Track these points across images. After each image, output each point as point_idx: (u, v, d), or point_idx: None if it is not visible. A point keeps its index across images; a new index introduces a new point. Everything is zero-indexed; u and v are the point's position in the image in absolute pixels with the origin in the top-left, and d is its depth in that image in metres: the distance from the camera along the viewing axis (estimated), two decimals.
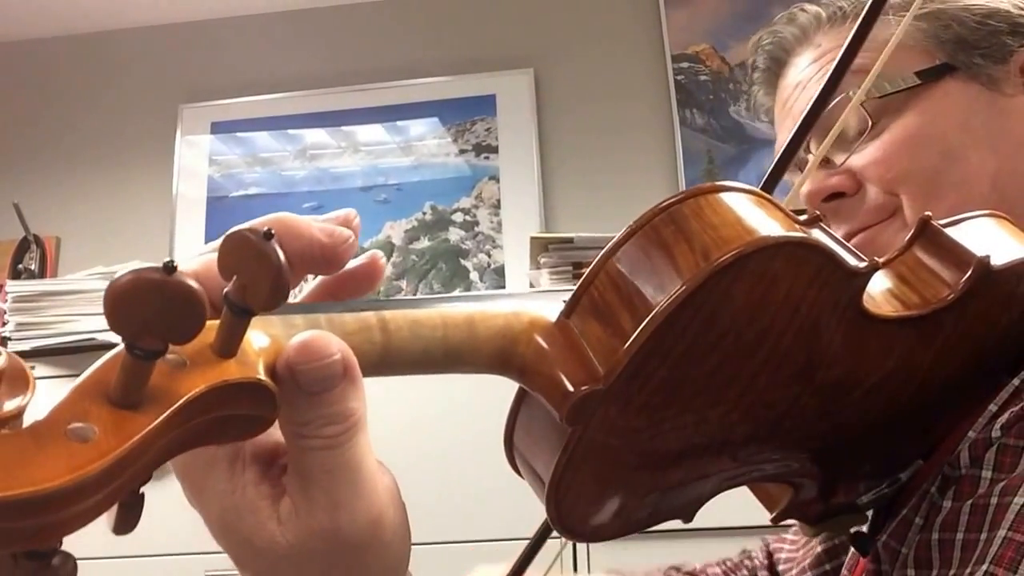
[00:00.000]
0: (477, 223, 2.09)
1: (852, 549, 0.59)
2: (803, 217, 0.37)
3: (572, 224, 2.00)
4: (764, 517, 0.49)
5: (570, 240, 1.63)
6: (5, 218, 2.11)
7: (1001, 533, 0.38)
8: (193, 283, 0.24)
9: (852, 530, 0.52)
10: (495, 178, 2.11)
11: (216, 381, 0.26)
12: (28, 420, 0.24)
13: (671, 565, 0.89)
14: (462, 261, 2.08)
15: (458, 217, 2.11)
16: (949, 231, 0.45)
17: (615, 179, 2.05)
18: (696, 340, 0.34)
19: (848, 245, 0.38)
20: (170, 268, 0.23)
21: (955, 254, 0.43)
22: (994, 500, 0.40)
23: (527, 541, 0.60)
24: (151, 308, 0.23)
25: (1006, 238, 0.46)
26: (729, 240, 0.33)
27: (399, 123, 2.20)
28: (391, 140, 2.20)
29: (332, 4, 2.29)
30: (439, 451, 1.47)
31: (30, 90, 2.41)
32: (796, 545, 0.76)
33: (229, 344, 0.27)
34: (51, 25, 2.39)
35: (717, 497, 0.44)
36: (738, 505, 0.90)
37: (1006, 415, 0.42)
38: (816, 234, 0.36)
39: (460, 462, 1.45)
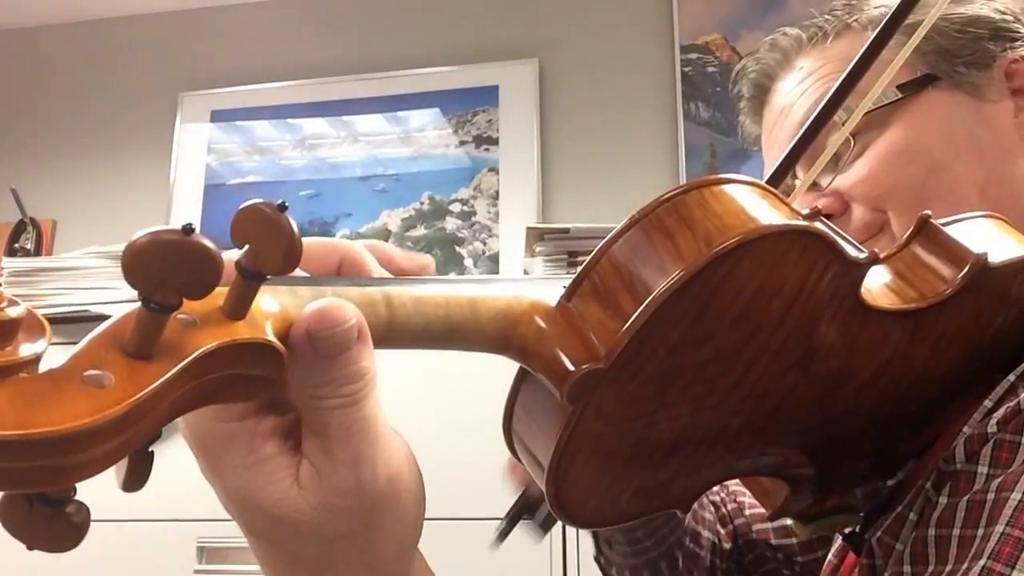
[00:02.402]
0: (474, 212, 2.09)
1: (839, 539, 0.60)
2: (804, 211, 0.38)
3: (570, 216, 1.99)
4: None
5: (566, 230, 1.63)
6: (3, 203, 2.12)
7: (999, 529, 0.38)
8: (210, 243, 0.25)
9: (846, 531, 0.52)
10: (494, 170, 2.10)
11: (226, 339, 0.27)
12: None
13: None
14: (457, 248, 2.08)
15: (456, 207, 2.11)
16: (947, 229, 0.45)
17: (615, 172, 2.04)
18: (695, 323, 0.34)
19: (848, 238, 0.38)
20: (188, 230, 0.24)
21: (953, 251, 0.44)
22: (991, 496, 0.39)
23: None
24: (168, 264, 0.24)
25: (1003, 238, 0.46)
26: (732, 227, 0.34)
27: (399, 113, 2.19)
28: (391, 130, 2.20)
29: None
30: (435, 435, 1.46)
31: (31, 77, 2.41)
32: None
33: (239, 307, 0.28)
34: (52, 12, 2.38)
35: None
36: None
37: (1002, 410, 0.42)
38: (817, 226, 0.36)
39: (456, 446, 1.45)
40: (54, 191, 2.28)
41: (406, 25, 2.23)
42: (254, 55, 2.29)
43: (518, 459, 0.41)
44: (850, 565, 0.56)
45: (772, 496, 0.48)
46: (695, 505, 0.83)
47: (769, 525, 0.85)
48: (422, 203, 2.13)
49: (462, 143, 2.14)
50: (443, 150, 2.15)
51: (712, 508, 0.88)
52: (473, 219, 2.09)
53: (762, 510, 0.86)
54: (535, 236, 1.66)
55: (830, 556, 0.59)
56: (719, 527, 0.86)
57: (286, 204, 0.27)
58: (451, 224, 2.09)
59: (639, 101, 2.08)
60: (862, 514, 0.51)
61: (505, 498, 0.77)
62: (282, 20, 2.30)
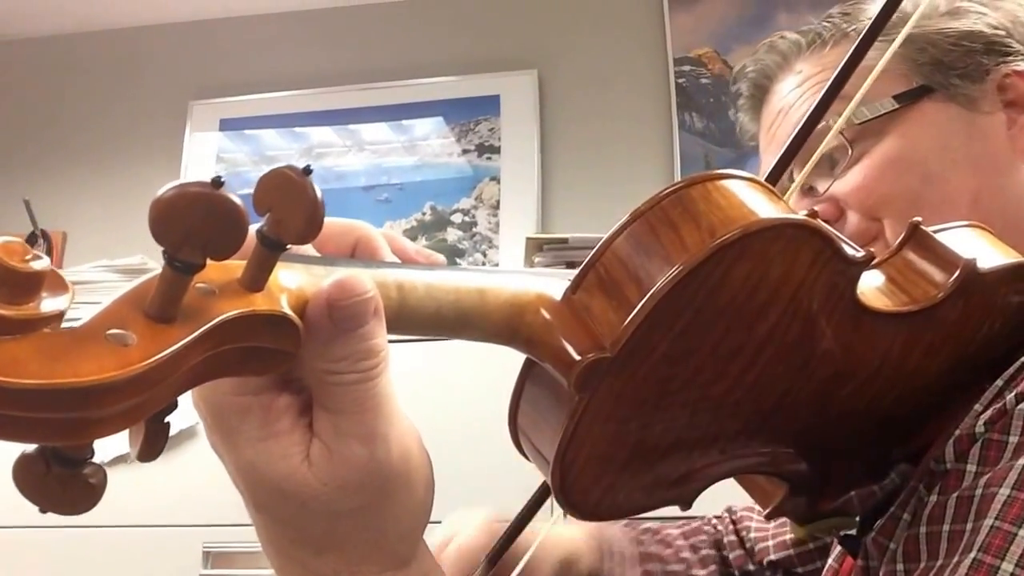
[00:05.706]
0: (475, 223, 2.10)
1: (839, 546, 0.60)
2: (802, 213, 0.39)
3: (568, 222, 2.02)
4: None
5: (564, 240, 1.65)
6: (14, 213, 2.13)
7: (987, 522, 0.38)
8: (237, 199, 0.25)
9: (842, 533, 0.53)
10: (496, 179, 2.12)
11: (245, 309, 0.27)
12: None
13: (643, 527, 0.89)
14: (458, 260, 2.09)
15: (457, 218, 2.12)
16: (937, 236, 0.47)
17: (612, 179, 2.06)
18: (698, 315, 0.35)
19: (845, 239, 0.39)
20: (217, 183, 0.24)
21: (943, 257, 0.45)
22: (979, 492, 0.40)
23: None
24: (195, 218, 0.24)
25: (986, 246, 0.47)
26: (735, 220, 0.35)
27: (404, 122, 2.21)
28: (395, 139, 2.21)
29: (340, 5, 2.30)
30: (438, 442, 1.47)
31: (41, 87, 2.42)
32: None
33: (257, 279, 0.28)
34: (62, 22, 2.40)
35: (714, 490, 0.45)
36: (733, 500, 0.91)
37: (990, 411, 0.43)
38: (817, 221, 0.37)
39: (460, 452, 1.45)
40: (66, 203, 2.28)
41: (410, 36, 2.25)
42: (262, 65, 2.30)
43: (523, 454, 0.42)
44: (848, 569, 0.56)
45: (769, 496, 0.48)
46: (659, 566, 0.83)
47: (770, 543, 0.85)
48: (424, 214, 2.14)
49: (465, 152, 2.15)
50: (446, 159, 2.17)
51: (691, 550, 0.87)
52: (474, 230, 2.10)
53: (765, 533, 0.86)
54: (534, 247, 1.68)
55: (830, 562, 0.59)
56: (698, 571, 0.86)
57: (311, 168, 0.27)
58: (452, 235, 2.11)
59: (634, 111, 2.10)
60: (858, 518, 0.52)
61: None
62: (289, 31, 2.32)
